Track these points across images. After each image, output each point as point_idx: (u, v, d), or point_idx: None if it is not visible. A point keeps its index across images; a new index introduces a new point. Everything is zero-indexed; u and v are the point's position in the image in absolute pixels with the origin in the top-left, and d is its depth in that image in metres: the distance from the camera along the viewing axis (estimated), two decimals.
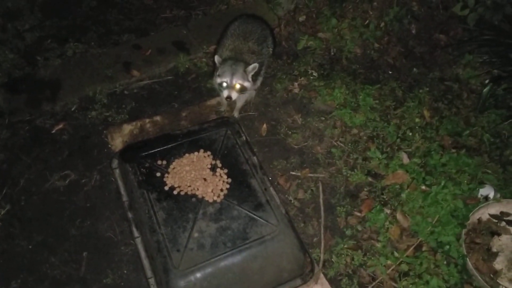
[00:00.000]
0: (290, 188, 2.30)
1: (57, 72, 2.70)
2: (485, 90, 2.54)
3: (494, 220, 2.14)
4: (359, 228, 2.16)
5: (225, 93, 2.20)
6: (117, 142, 2.41)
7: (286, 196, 2.28)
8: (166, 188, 2.00)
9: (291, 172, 2.37)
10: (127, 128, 2.47)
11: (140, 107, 2.60)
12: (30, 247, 2.05)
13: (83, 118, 2.53)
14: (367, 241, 2.11)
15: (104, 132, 2.46)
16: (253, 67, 2.21)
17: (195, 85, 2.71)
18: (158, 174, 2.05)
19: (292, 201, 2.26)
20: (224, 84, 2.19)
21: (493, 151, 2.38)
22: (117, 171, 2.25)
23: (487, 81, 2.59)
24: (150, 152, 2.13)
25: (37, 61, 2.77)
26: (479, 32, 2.75)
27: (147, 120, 2.50)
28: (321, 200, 2.25)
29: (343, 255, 2.06)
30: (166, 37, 2.92)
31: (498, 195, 2.17)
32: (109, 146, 2.41)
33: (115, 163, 2.27)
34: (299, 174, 2.36)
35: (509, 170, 2.29)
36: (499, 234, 2.12)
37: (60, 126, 2.48)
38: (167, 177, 2.03)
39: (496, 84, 2.54)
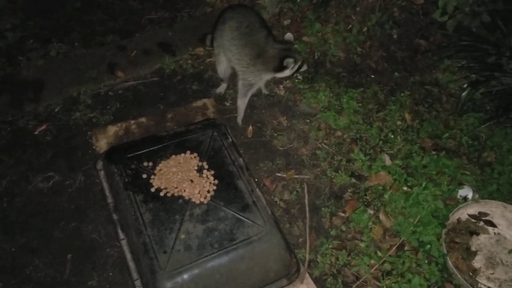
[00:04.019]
0: (276, 189, 2.33)
1: (40, 72, 2.66)
2: (463, 94, 2.63)
3: (473, 220, 2.22)
4: (344, 228, 2.20)
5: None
6: (102, 143, 2.39)
7: (272, 197, 2.30)
8: (153, 189, 1.99)
9: (276, 174, 2.39)
10: (112, 129, 2.45)
11: (125, 108, 2.58)
12: (13, 249, 2.01)
13: (67, 119, 2.50)
14: (351, 241, 2.16)
15: (89, 133, 2.44)
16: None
17: (181, 87, 2.72)
18: (144, 176, 2.04)
19: (278, 202, 2.29)
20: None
21: (472, 153, 2.47)
22: (102, 172, 2.23)
23: (465, 86, 2.68)
24: (136, 153, 2.12)
25: (19, 61, 2.72)
26: (458, 37, 2.84)
27: (132, 122, 2.49)
28: (306, 201, 2.29)
29: (328, 255, 2.10)
30: (151, 38, 2.92)
31: (477, 196, 2.25)
32: (94, 147, 2.38)
33: (100, 164, 2.25)
34: (284, 175, 2.39)
35: (486, 172, 2.38)
36: (477, 234, 2.19)
37: (43, 127, 2.45)
38: (154, 178, 2.02)
39: (474, 88, 2.63)
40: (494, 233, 2.20)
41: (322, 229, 2.21)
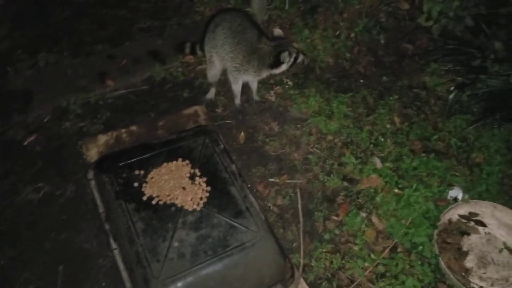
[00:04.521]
0: (269, 195, 2.33)
1: (29, 82, 2.64)
2: (450, 96, 2.67)
3: (464, 220, 2.24)
4: (337, 232, 2.21)
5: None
6: (92, 153, 2.38)
7: (265, 202, 2.30)
8: (145, 198, 1.98)
9: (269, 179, 2.40)
10: (103, 138, 2.44)
11: (115, 117, 2.57)
12: (2, 262, 1.98)
13: (57, 129, 2.48)
14: (345, 245, 2.16)
15: (79, 143, 2.42)
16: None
17: (172, 95, 2.72)
18: (136, 184, 2.03)
19: (271, 208, 2.29)
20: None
21: (460, 154, 2.50)
22: (93, 182, 2.20)
23: (452, 88, 2.72)
24: (127, 162, 2.10)
25: (7, 72, 2.70)
26: (443, 42, 2.90)
27: (123, 130, 2.48)
28: (299, 206, 2.29)
29: (322, 259, 2.10)
30: (141, 47, 2.92)
31: (466, 196, 2.28)
32: (84, 157, 2.37)
33: (90, 174, 2.23)
34: (277, 180, 2.40)
35: (475, 172, 2.41)
36: (468, 234, 2.22)
37: (33, 137, 2.42)
38: (145, 187, 2.01)
39: (461, 91, 2.68)
40: (485, 232, 2.23)
41: (316, 233, 2.22)
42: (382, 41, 3.14)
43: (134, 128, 2.50)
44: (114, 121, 2.55)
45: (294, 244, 2.17)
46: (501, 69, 2.60)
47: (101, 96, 2.66)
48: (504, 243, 2.19)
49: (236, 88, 2.62)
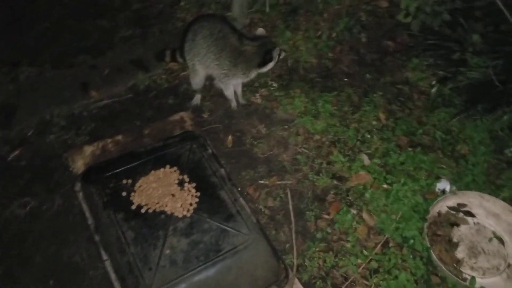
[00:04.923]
0: (260, 197, 2.33)
1: (11, 97, 2.61)
2: (433, 90, 2.72)
3: (452, 212, 2.27)
4: (329, 230, 2.21)
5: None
6: (79, 164, 2.35)
7: (256, 205, 2.30)
8: (133, 207, 1.97)
9: (259, 181, 2.40)
10: (88, 149, 2.41)
11: (100, 127, 2.55)
12: None
13: (41, 142, 2.44)
14: (337, 242, 2.17)
15: (64, 155, 2.39)
16: None
17: (157, 102, 2.71)
18: (124, 194, 2.01)
19: (263, 210, 2.28)
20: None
21: (446, 147, 2.53)
22: (81, 194, 2.17)
23: (434, 82, 2.77)
24: (114, 171, 2.09)
25: None
26: (423, 37, 2.95)
27: (109, 140, 2.45)
28: (290, 206, 2.29)
29: (315, 258, 2.10)
30: (123, 56, 2.90)
31: (454, 188, 2.31)
32: (71, 169, 2.34)
33: (77, 186, 2.20)
34: (267, 182, 2.40)
35: (461, 164, 2.44)
36: (458, 225, 2.24)
37: (17, 152, 2.39)
38: (134, 195, 2.00)
39: (443, 84, 2.72)
40: (474, 223, 2.26)
41: (308, 232, 2.22)
42: (364, 39, 3.17)
43: (120, 137, 2.48)
44: (100, 131, 2.52)
45: (287, 245, 2.17)
46: (480, 61, 2.65)
47: (85, 107, 2.63)
48: (493, 232, 2.22)
49: (229, 93, 2.63)
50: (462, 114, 2.59)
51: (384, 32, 3.22)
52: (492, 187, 2.33)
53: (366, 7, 3.15)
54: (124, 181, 2.05)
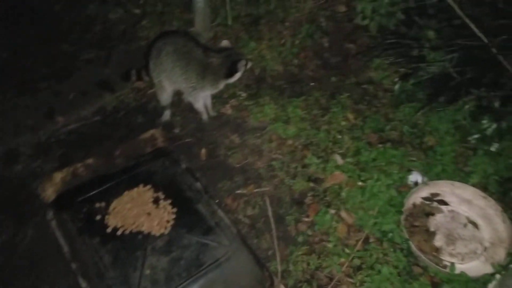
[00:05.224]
0: (238, 207, 2.32)
1: None
2: (396, 87, 2.80)
3: (427, 202, 2.33)
4: (310, 232, 2.22)
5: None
6: (50, 192, 2.28)
7: (236, 215, 2.29)
8: (109, 230, 1.93)
9: (236, 191, 2.39)
10: (58, 176, 2.35)
11: (70, 152, 2.49)
12: None
13: (8, 174, 2.37)
14: (319, 244, 2.18)
15: (34, 184, 2.32)
16: None
17: (126, 122, 2.67)
18: (98, 217, 1.97)
19: (242, 219, 2.28)
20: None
21: (414, 140, 2.60)
22: (53, 222, 2.10)
23: (396, 79, 2.85)
24: (86, 196, 2.05)
25: None
26: (382, 37, 3.04)
27: (79, 165, 2.40)
28: (270, 213, 2.30)
29: (299, 262, 2.10)
30: (88, 78, 2.86)
31: (426, 179, 2.37)
32: (41, 198, 2.27)
33: (49, 214, 2.13)
34: (244, 191, 2.39)
35: (430, 155, 2.51)
36: (433, 214, 2.29)
37: None
38: (108, 218, 1.96)
39: (405, 80, 2.81)
40: (448, 210, 2.31)
41: (290, 237, 2.22)
42: (326, 44, 3.25)
43: (90, 161, 2.42)
44: (69, 156, 2.47)
45: (270, 252, 2.16)
46: (437, 56, 2.75)
47: (52, 133, 2.57)
48: (467, 218, 2.28)
49: (199, 106, 2.64)
50: (425, 107, 2.68)
51: (344, 35, 3.31)
52: (462, 175, 2.41)
53: (324, 13, 3.23)
54: (98, 205, 2.01)
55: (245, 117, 2.76)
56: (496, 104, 2.47)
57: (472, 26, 2.60)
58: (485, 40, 2.59)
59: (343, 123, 2.70)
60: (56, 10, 3.29)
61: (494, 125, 2.44)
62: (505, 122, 2.42)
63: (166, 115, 2.69)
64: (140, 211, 1.98)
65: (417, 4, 2.79)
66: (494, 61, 2.59)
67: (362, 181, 2.35)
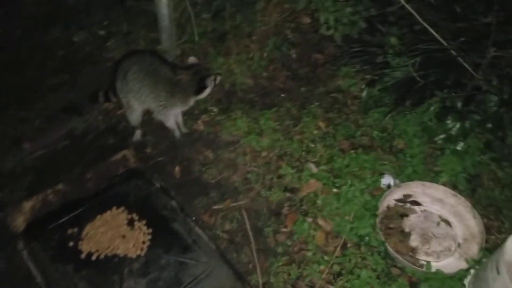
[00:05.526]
0: (216, 222, 2.31)
1: None
2: (363, 94, 2.87)
3: (400, 204, 2.37)
4: (289, 242, 2.22)
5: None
6: (19, 222, 2.21)
7: (214, 231, 2.26)
8: (83, 255, 1.88)
9: (213, 207, 2.38)
10: (28, 205, 2.28)
11: (38, 179, 2.43)
12: None
13: None
14: (299, 253, 2.18)
15: (2, 215, 2.24)
16: None
17: (96, 144, 2.63)
18: (71, 244, 1.92)
19: (220, 235, 2.26)
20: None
21: (384, 144, 2.66)
22: (25, 252, 2.04)
23: (363, 86, 2.92)
24: (58, 222, 2.01)
25: None
26: (347, 46, 3.13)
27: (49, 191, 2.33)
28: (248, 226, 2.29)
29: (280, 273, 2.10)
30: (54, 103, 2.82)
31: (397, 181, 2.42)
32: (11, 228, 2.18)
33: (20, 244, 2.06)
34: (221, 206, 2.38)
35: (400, 158, 2.57)
36: (407, 215, 2.33)
37: None
38: (82, 244, 1.92)
39: (371, 87, 2.88)
40: (421, 210, 2.36)
41: (269, 249, 2.22)
42: (294, 55, 3.30)
43: (60, 186, 2.36)
44: (38, 184, 2.40)
45: (250, 265, 2.15)
46: (401, 61, 2.84)
47: (19, 161, 2.50)
48: (440, 216, 2.34)
49: (171, 123, 2.63)
50: (393, 111, 2.75)
51: (311, 46, 3.38)
52: (432, 174, 2.47)
53: (290, 25, 3.30)
54: (70, 231, 1.96)
55: (218, 132, 2.76)
56: (459, 104, 2.56)
57: (432, 31, 2.71)
58: (445, 44, 2.70)
59: (315, 131, 2.74)
60: (16, 36, 3.23)
61: (458, 125, 2.52)
62: (468, 121, 2.51)
63: (137, 135, 2.66)
64: (114, 234, 1.94)
65: (379, 12, 2.89)
66: (454, 63, 2.70)
67: (337, 187, 2.38)
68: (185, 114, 2.77)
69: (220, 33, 3.20)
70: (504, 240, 1.75)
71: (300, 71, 3.24)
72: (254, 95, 3.04)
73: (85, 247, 1.89)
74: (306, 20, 3.35)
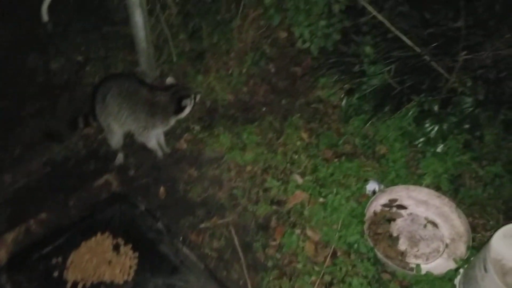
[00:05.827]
0: (204, 241, 2.28)
1: None
2: (343, 103, 2.91)
3: (386, 209, 2.39)
4: (278, 256, 2.21)
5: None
6: (1, 254, 2.14)
7: (202, 250, 2.24)
8: (69, 285, 1.83)
9: (200, 225, 2.35)
10: (10, 236, 2.22)
11: (19, 210, 2.37)
12: None
13: None
14: (289, 266, 2.17)
15: None
16: None
17: (77, 171, 2.59)
18: (56, 273, 1.87)
19: (209, 253, 2.23)
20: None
21: (366, 150, 2.69)
22: (8, 286, 1.97)
23: (342, 96, 2.97)
24: (41, 253, 1.95)
25: None
26: (324, 58, 3.18)
27: (32, 221, 2.28)
28: (236, 242, 2.27)
29: (271, 287, 2.08)
30: (33, 131, 2.77)
31: (382, 186, 2.44)
32: None
33: (3, 278, 2.00)
34: (208, 224, 2.36)
35: (383, 163, 2.60)
36: (394, 220, 2.35)
37: None
38: (67, 273, 1.87)
39: (350, 95, 2.93)
40: (407, 214, 2.38)
41: (259, 263, 2.20)
42: (272, 70, 3.34)
43: (43, 215, 2.31)
44: (19, 215, 2.34)
45: (241, 282, 2.13)
46: (377, 69, 2.90)
47: None
48: (426, 218, 2.36)
49: (152, 144, 2.61)
50: (373, 118, 2.79)
51: (289, 59, 3.43)
52: (415, 177, 2.50)
53: (267, 40, 3.35)
54: (54, 260, 1.92)
55: (201, 149, 2.75)
56: (436, 107, 2.62)
57: (404, 38, 2.79)
58: (418, 50, 2.78)
59: (298, 143, 2.76)
60: None
61: (437, 127, 2.58)
62: (446, 123, 2.57)
63: (119, 158, 2.64)
64: (100, 260, 1.91)
65: (352, 23, 2.96)
66: (428, 68, 2.77)
67: (323, 197, 2.39)
68: (167, 133, 2.76)
69: (198, 52, 3.23)
70: (490, 238, 1.78)
71: (279, 84, 3.28)
72: (235, 110, 3.06)
73: (71, 276, 1.84)
74: (283, 34, 3.40)
